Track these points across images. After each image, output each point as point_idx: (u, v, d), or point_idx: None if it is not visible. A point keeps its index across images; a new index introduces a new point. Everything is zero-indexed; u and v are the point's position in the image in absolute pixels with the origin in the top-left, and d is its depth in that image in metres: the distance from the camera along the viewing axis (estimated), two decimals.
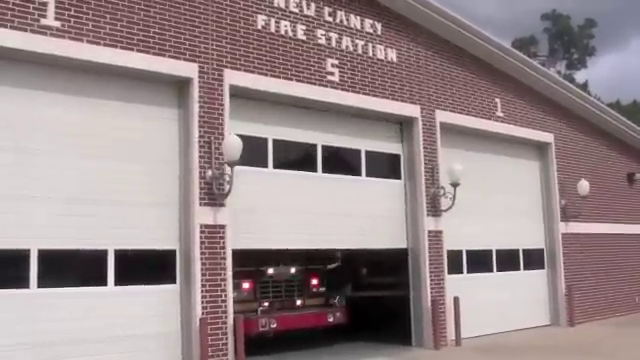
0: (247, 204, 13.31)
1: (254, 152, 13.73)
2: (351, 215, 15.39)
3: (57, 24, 11.15)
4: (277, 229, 14.10)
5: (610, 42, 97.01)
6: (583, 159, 22.28)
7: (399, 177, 16.83)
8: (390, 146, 16.73)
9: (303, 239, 14.61)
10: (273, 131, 14.30)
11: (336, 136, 15.51)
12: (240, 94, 13.50)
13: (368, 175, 16.13)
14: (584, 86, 54.94)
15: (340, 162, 15.77)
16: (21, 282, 10.79)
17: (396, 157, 16.84)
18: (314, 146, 15.15)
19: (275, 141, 14.35)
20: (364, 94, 15.58)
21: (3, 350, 10.41)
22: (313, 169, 15.11)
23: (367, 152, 16.12)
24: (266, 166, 14.21)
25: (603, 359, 14.70)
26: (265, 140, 14.21)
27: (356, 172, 15.96)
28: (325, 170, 15.26)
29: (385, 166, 16.68)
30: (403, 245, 16.68)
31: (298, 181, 14.68)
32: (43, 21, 11.01)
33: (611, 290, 22.57)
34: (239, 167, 12.68)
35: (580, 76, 61.58)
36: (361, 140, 16.01)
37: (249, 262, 14.84)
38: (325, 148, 15.30)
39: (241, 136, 12.50)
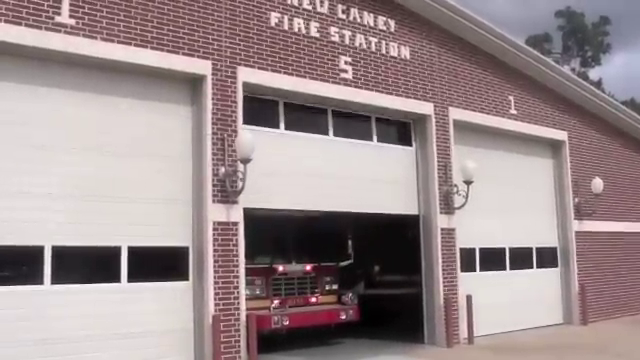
0: (258, 165, 12.92)
1: (265, 113, 13.86)
2: (362, 179, 15.42)
3: (71, 22, 11.19)
4: (289, 190, 14.12)
5: (625, 40, 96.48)
6: (597, 157, 22.16)
7: (410, 144, 16.84)
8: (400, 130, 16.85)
9: (314, 201, 14.62)
10: (284, 97, 14.38)
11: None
12: (253, 91, 13.55)
13: (379, 140, 16.18)
14: (598, 84, 54.60)
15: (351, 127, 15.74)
16: (35, 279, 10.86)
17: (406, 125, 16.86)
18: (324, 111, 15.18)
19: (286, 104, 14.40)
20: (377, 91, 15.56)
21: (17, 346, 10.47)
22: (324, 132, 15.14)
23: (377, 119, 16.19)
24: (278, 127, 14.28)
25: (617, 358, 14.62)
26: (276, 103, 14.27)
27: (367, 137, 15.97)
28: (336, 134, 15.30)
29: (396, 133, 16.73)
30: (415, 212, 16.68)
31: (309, 143, 14.71)
32: (57, 19, 11.05)
33: (625, 289, 22.45)
34: (250, 126, 13.02)
35: (594, 74, 61.28)
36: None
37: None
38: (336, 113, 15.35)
39: (252, 98, 12.97)
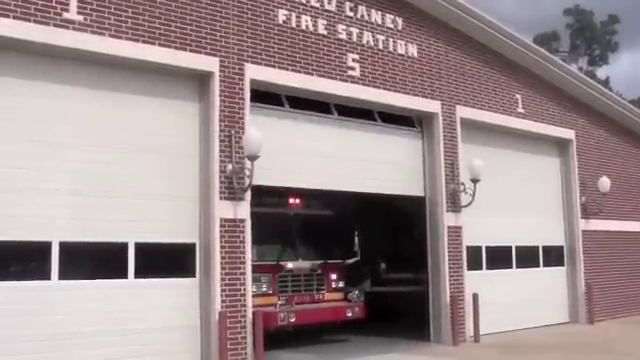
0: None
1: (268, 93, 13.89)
2: (366, 160, 15.38)
3: (79, 18, 11.20)
4: (295, 168, 14.12)
5: (633, 39, 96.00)
6: (604, 156, 22.11)
7: (413, 126, 16.78)
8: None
9: (320, 181, 14.61)
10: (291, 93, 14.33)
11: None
12: (261, 88, 13.55)
13: (384, 121, 16.09)
14: (606, 82, 54.39)
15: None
16: (42, 274, 10.89)
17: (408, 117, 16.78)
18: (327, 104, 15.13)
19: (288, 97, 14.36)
20: (385, 89, 15.55)
21: (24, 341, 10.50)
22: (329, 112, 15.06)
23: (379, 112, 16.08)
24: (282, 105, 14.24)
25: (623, 358, 14.60)
26: (278, 95, 14.24)
27: (371, 117, 15.89)
28: (341, 113, 15.21)
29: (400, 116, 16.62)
30: (420, 193, 16.67)
31: (313, 122, 14.66)
32: (66, 15, 11.06)
33: (631, 288, 22.39)
34: (254, 103, 13.14)
35: (602, 72, 61.05)
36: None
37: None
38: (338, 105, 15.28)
39: (255, 90, 13.03)
